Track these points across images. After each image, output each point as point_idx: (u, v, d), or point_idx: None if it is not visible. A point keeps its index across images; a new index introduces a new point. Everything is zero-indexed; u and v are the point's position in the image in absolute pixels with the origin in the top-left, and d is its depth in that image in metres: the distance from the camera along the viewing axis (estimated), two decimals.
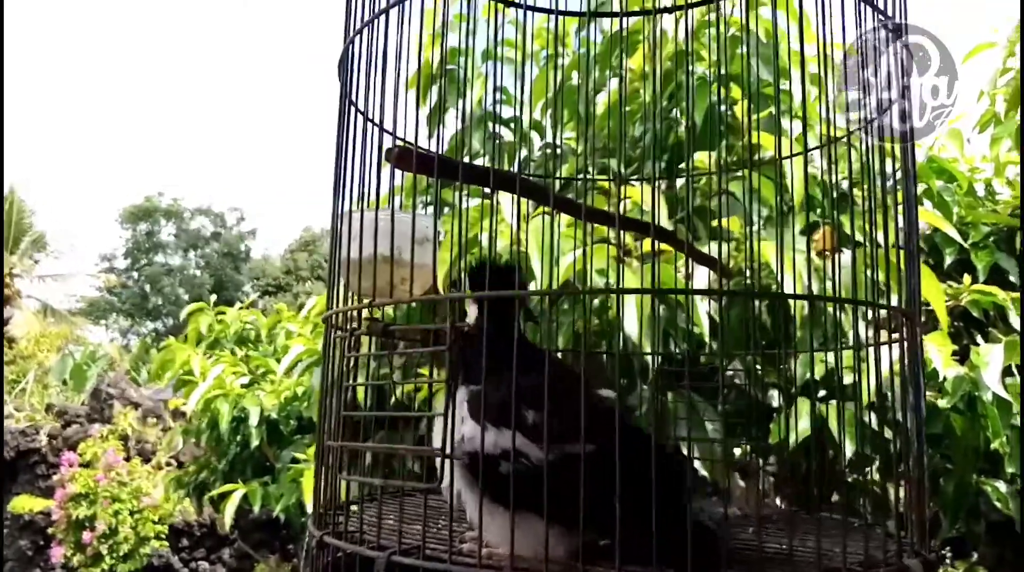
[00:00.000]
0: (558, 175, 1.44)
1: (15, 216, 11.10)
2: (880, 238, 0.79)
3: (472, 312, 0.81)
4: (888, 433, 0.98)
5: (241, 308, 3.09)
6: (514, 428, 0.68)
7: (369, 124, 0.85)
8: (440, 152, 0.80)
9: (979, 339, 1.59)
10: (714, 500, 1.09)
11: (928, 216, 1.60)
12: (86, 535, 4.55)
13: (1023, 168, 1.80)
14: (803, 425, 1.23)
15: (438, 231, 0.91)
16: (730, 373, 1.32)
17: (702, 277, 1.27)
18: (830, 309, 1.05)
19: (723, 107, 1.43)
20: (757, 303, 1.23)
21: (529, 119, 1.78)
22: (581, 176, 1.32)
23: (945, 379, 1.37)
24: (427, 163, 0.81)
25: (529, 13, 1.05)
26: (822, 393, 1.34)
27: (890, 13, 0.82)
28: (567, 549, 0.67)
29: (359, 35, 0.85)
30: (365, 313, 0.84)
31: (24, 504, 5.14)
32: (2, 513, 5.12)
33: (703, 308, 1.31)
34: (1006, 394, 1.34)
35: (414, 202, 0.83)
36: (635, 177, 1.56)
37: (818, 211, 1.39)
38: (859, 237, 1.19)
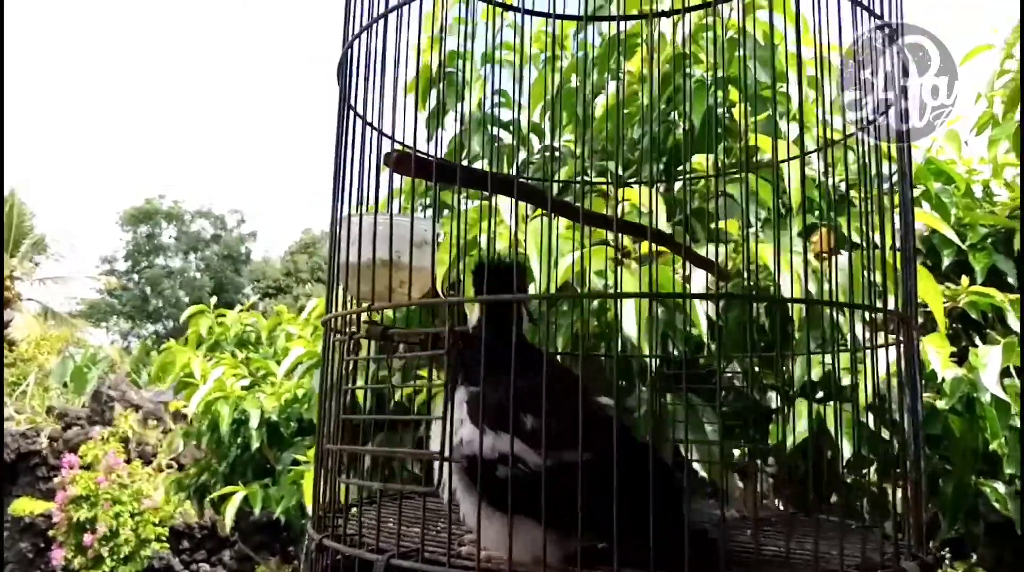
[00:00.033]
0: (556, 178, 1.44)
1: (15, 219, 11.11)
2: (877, 240, 0.79)
3: (474, 313, 0.81)
4: (886, 434, 0.98)
5: (241, 310, 3.09)
6: (512, 433, 0.68)
7: (368, 128, 0.85)
8: (439, 155, 0.80)
9: (977, 341, 1.59)
10: (711, 503, 1.10)
11: (926, 218, 1.60)
12: (87, 537, 4.55)
13: (1023, 170, 1.81)
14: (801, 427, 1.23)
15: (437, 233, 0.91)
16: (729, 375, 1.32)
17: (700, 279, 1.28)
18: (827, 311, 1.05)
19: (721, 109, 1.43)
20: (755, 305, 1.23)
21: (528, 122, 1.79)
22: (579, 179, 1.32)
23: (944, 380, 1.38)
24: (425, 167, 0.82)
25: (527, 16, 1.06)
26: (820, 395, 1.34)
27: (885, 16, 0.83)
28: (563, 554, 0.67)
29: (358, 40, 0.86)
30: (364, 317, 0.84)
31: (25, 506, 5.14)
32: (2, 515, 5.12)
33: (701, 309, 1.31)
34: (1004, 395, 1.34)
35: (412, 205, 0.83)
36: (633, 179, 1.56)
37: (816, 213, 1.39)
38: (856, 239, 1.19)
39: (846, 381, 1.13)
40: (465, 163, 1.60)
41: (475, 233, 1.42)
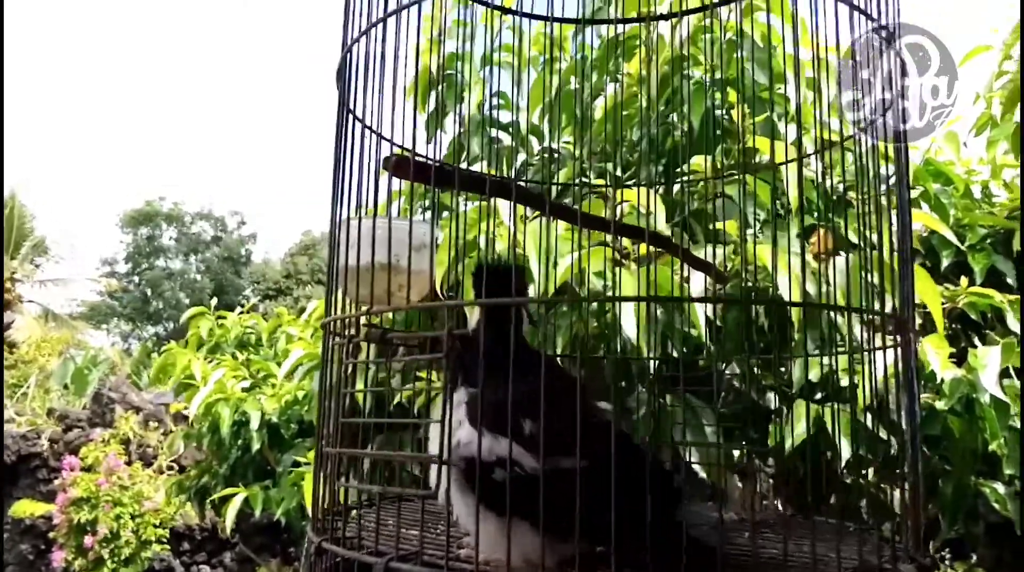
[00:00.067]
0: (555, 180, 1.44)
1: (16, 221, 11.11)
2: (875, 242, 0.79)
3: (474, 315, 0.81)
4: (884, 435, 0.98)
5: (242, 312, 3.09)
6: (511, 437, 0.68)
7: (367, 131, 0.85)
8: (439, 157, 0.80)
9: (976, 341, 1.59)
10: (709, 505, 1.10)
11: (925, 218, 1.60)
12: (87, 539, 4.55)
13: (1023, 170, 1.81)
14: (800, 428, 1.23)
15: (436, 235, 0.91)
16: (728, 376, 1.33)
17: (699, 279, 1.28)
18: (826, 313, 1.06)
19: (720, 111, 1.44)
20: (754, 307, 1.23)
21: (527, 123, 1.79)
22: (578, 180, 1.33)
23: (943, 381, 1.38)
24: (424, 171, 0.82)
25: (526, 19, 1.06)
26: (819, 396, 1.34)
27: (882, 20, 0.83)
28: (558, 558, 0.67)
29: (357, 44, 0.86)
30: (363, 320, 0.84)
31: (25, 508, 5.14)
32: (3, 517, 5.12)
33: (701, 311, 1.31)
34: (1004, 396, 1.34)
35: (411, 207, 0.84)
36: (632, 181, 1.56)
37: (814, 214, 1.39)
38: (855, 240, 1.20)
39: (845, 382, 1.13)
40: (464, 165, 1.60)
41: (474, 234, 1.42)
